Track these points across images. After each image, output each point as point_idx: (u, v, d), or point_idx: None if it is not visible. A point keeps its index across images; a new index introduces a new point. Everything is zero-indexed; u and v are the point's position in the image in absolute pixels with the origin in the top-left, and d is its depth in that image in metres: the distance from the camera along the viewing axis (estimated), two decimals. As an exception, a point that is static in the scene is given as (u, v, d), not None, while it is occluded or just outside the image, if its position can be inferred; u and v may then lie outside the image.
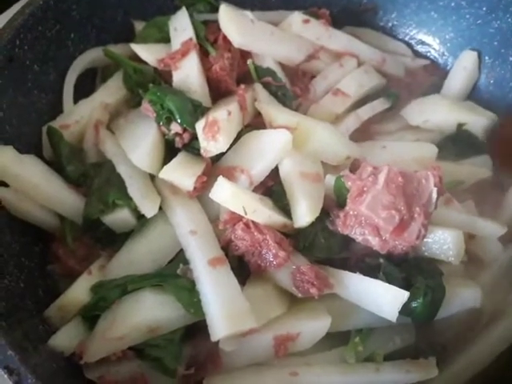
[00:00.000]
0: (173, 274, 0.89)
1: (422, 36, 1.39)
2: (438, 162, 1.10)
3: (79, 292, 0.91)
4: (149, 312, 0.85)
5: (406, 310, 0.86)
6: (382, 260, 0.91)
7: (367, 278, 0.87)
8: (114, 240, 0.98)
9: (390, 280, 0.87)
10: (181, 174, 0.95)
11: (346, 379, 0.85)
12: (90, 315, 0.89)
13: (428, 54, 1.40)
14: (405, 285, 0.88)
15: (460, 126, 1.20)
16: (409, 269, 0.92)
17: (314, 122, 1.04)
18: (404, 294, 0.84)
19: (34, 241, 1.00)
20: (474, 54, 1.28)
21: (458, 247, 0.94)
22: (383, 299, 0.85)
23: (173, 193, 0.96)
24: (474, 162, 1.19)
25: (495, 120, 1.21)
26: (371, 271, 0.90)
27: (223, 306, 0.82)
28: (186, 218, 0.93)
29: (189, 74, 1.07)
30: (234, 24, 1.11)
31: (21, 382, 0.70)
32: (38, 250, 1.00)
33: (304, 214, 0.91)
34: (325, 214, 0.95)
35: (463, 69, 1.28)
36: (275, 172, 0.99)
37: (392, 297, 0.84)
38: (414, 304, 0.87)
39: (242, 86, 1.07)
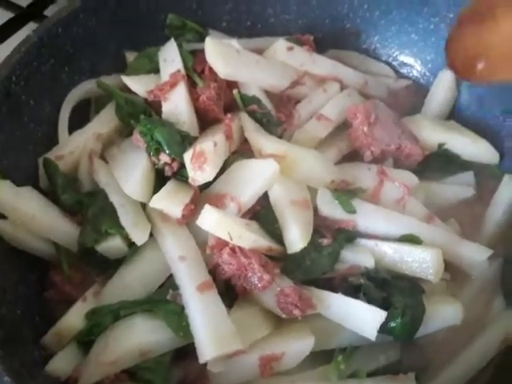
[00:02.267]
0: (163, 300, 0.92)
1: (403, 57, 1.44)
2: (422, 182, 1.15)
3: (74, 319, 0.94)
4: (140, 336, 0.88)
5: (385, 329, 0.90)
6: (363, 280, 0.95)
7: (348, 298, 0.91)
8: (108, 266, 1.02)
9: (370, 300, 0.91)
10: (169, 202, 0.99)
11: None
12: (85, 340, 0.93)
13: (410, 75, 1.45)
14: (385, 305, 0.92)
15: (440, 145, 1.24)
16: (389, 289, 0.96)
17: (302, 151, 1.08)
18: (382, 314, 0.88)
19: (31, 269, 1.04)
20: (451, 73, 1.32)
21: (438, 266, 0.98)
22: (363, 319, 0.89)
23: (163, 220, 1.00)
24: (457, 179, 1.23)
25: (476, 140, 1.25)
26: (353, 291, 0.94)
27: (210, 329, 0.86)
28: (176, 245, 0.97)
29: (177, 105, 1.12)
30: (219, 56, 1.15)
31: (17, 407, 0.74)
32: (34, 278, 1.04)
33: (297, 240, 0.95)
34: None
35: (442, 88, 1.32)
36: (263, 197, 1.03)
37: (371, 316, 0.88)
38: (392, 324, 0.91)
39: (229, 116, 1.11)
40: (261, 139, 1.09)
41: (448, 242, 1.04)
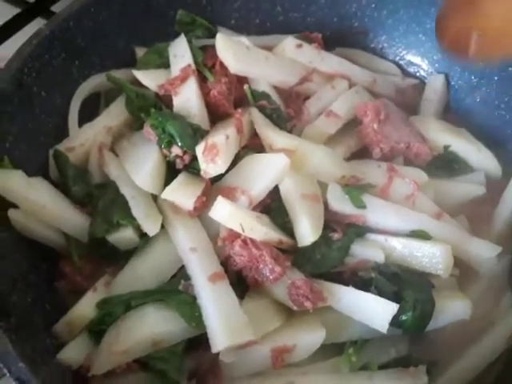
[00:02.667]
0: (175, 290, 0.93)
1: (410, 57, 1.45)
2: (432, 180, 1.15)
3: (85, 308, 0.95)
4: (152, 326, 0.89)
5: (396, 322, 0.91)
6: (373, 274, 0.95)
7: (360, 292, 0.92)
8: (119, 257, 1.02)
9: (381, 293, 0.92)
10: (181, 194, 1.00)
11: None
12: (97, 330, 0.93)
13: (417, 74, 1.45)
14: (396, 298, 0.92)
15: (446, 147, 1.25)
16: (400, 283, 0.96)
17: (313, 146, 1.09)
18: (394, 307, 0.88)
19: (41, 259, 1.04)
20: (442, 77, 1.37)
21: (447, 261, 0.98)
22: (374, 311, 0.89)
23: (174, 212, 1.00)
24: (468, 178, 1.23)
25: (481, 149, 1.25)
26: (364, 285, 0.94)
27: (223, 319, 0.86)
28: (187, 236, 0.97)
29: (188, 99, 1.12)
30: (230, 51, 1.16)
31: (30, 393, 0.74)
32: (45, 268, 1.04)
33: (308, 234, 0.95)
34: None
35: (434, 91, 1.36)
36: (273, 191, 1.03)
37: (382, 309, 0.89)
38: (403, 317, 0.92)
39: (239, 110, 1.11)
40: (271, 134, 1.09)
41: (457, 239, 1.04)
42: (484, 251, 1.05)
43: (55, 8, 1.62)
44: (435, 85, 1.37)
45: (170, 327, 0.89)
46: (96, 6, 1.22)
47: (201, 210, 1.00)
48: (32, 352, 0.82)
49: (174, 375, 0.88)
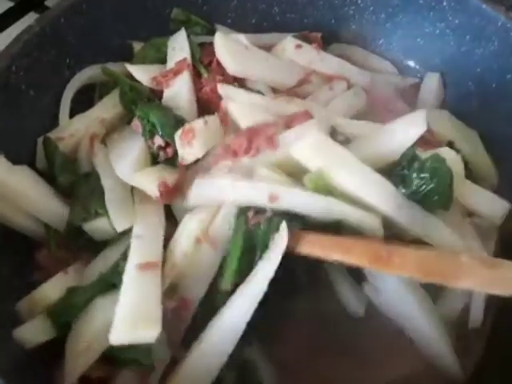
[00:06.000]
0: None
1: (408, 61, 1.42)
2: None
3: (52, 289, 0.93)
4: (103, 314, 0.86)
5: None
6: None
7: None
8: (96, 249, 1.00)
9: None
10: (145, 179, 0.98)
11: None
12: (58, 319, 0.90)
13: (415, 79, 1.43)
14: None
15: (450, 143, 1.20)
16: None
17: None
18: None
19: (18, 247, 1.03)
20: (437, 76, 1.35)
21: None
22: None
23: (143, 200, 0.99)
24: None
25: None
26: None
27: (134, 309, 0.81)
28: (139, 223, 0.95)
29: (178, 92, 1.11)
30: (229, 52, 1.15)
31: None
32: (21, 257, 1.03)
33: None
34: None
35: (429, 91, 1.34)
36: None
37: None
38: None
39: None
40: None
41: None
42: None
43: (49, 2, 1.62)
44: (430, 84, 1.35)
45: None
46: (88, 3, 1.20)
47: (170, 197, 0.98)
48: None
49: (147, 361, 0.85)
